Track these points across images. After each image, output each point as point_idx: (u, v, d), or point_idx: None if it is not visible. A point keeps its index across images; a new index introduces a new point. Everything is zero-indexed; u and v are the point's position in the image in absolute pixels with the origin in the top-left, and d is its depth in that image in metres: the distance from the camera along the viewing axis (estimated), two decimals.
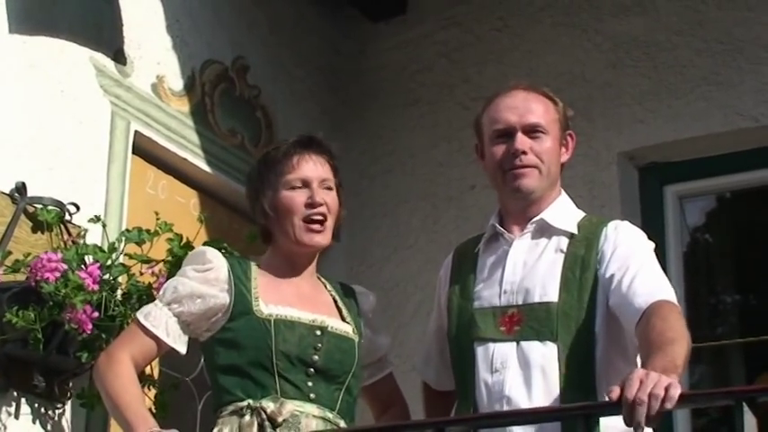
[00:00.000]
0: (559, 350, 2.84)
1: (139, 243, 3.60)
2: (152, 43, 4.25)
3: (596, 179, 4.54)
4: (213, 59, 4.51)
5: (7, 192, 3.59)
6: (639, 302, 2.75)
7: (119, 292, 3.51)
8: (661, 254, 3.00)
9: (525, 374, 2.84)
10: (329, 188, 3.07)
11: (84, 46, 3.96)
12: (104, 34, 4.06)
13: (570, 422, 2.60)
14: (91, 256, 3.53)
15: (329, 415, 2.92)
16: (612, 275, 2.84)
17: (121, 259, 3.60)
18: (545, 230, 3.00)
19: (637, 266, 2.84)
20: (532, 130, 3.00)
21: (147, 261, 3.59)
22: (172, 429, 2.76)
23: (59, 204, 3.68)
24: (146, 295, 3.47)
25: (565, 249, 2.95)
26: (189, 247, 3.53)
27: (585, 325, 2.85)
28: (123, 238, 3.62)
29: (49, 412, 3.56)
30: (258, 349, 2.90)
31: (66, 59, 3.89)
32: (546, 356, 2.84)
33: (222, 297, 2.95)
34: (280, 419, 2.84)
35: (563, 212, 3.03)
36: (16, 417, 3.46)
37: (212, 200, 4.48)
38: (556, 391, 2.81)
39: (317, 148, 3.10)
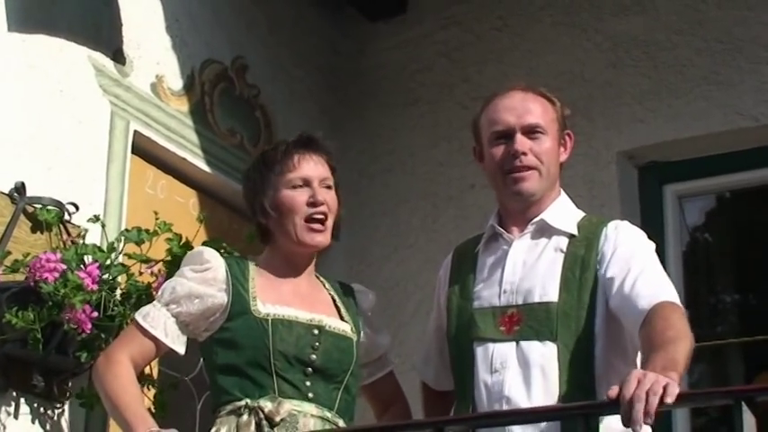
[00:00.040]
0: (559, 350, 2.83)
1: (139, 243, 3.60)
2: (151, 43, 4.25)
3: (596, 178, 4.54)
4: (212, 59, 4.51)
5: (6, 192, 3.59)
6: (643, 304, 2.74)
7: (118, 292, 3.51)
8: (660, 253, 2.99)
9: (525, 374, 2.84)
10: (329, 187, 3.08)
11: (84, 45, 3.96)
12: (103, 34, 4.06)
13: (569, 422, 2.60)
14: (90, 256, 3.52)
15: (328, 414, 2.92)
16: (614, 277, 2.84)
17: (121, 259, 3.60)
18: (545, 231, 3.00)
19: (639, 268, 2.83)
20: (531, 131, 2.99)
21: (147, 261, 3.59)
22: (171, 429, 2.77)
23: (58, 204, 3.68)
24: (145, 295, 3.47)
25: (564, 249, 2.94)
26: (188, 246, 3.52)
27: (585, 325, 2.85)
28: (122, 238, 3.62)
29: (49, 412, 3.56)
30: (256, 349, 2.90)
31: (65, 59, 3.89)
32: (545, 356, 2.84)
33: (220, 297, 2.95)
34: (277, 419, 2.84)
35: (563, 213, 3.03)
36: (15, 416, 3.46)
37: (211, 199, 4.48)
38: (555, 391, 2.81)
39: (316, 147, 3.10)
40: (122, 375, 2.89)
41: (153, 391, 3.58)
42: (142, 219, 3.77)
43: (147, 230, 3.61)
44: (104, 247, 3.60)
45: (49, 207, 3.64)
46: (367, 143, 5.02)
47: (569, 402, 2.75)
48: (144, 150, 4.19)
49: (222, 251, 3.20)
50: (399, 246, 4.86)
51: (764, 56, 4.43)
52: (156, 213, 3.67)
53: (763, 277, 4.64)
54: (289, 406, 2.86)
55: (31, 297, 3.37)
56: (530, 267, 2.94)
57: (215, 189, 4.48)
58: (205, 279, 2.96)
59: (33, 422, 3.50)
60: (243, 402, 2.87)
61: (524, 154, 2.97)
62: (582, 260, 2.91)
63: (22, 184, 3.61)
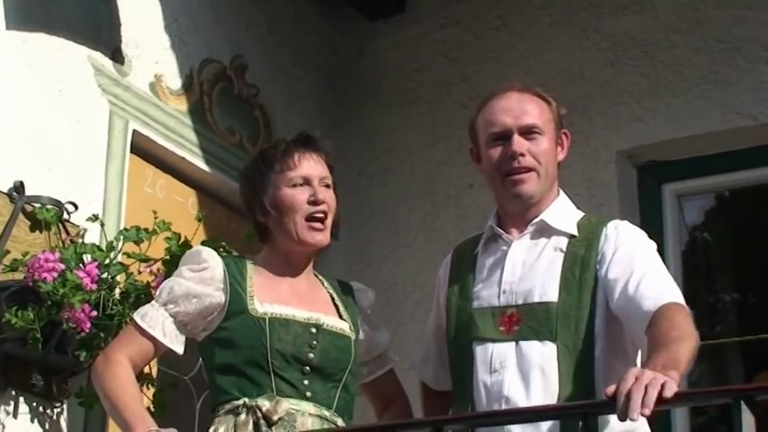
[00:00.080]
0: (559, 350, 2.83)
1: (138, 242, 3.60)
2: (150, 42, 4.25)
3: (595, 178, 4.54)
4: (211, 58, 4.51)
5: (5, 191, 3.59)
6: (648, 306, 2.72)
7: (117, 291, 3.51)
8: (660, 252, 2.98)
9: (524, 374, 2.83)
10: (328, 186, 3.08)
11: (83, 45, 3.96)
12: (102, 33, 4.06)
13: (568, 421, 2.60)
14: (89, 255, 3.52)
15: (326, 413, 2.91)
16: (617, 279, 2.82)
17: (120, 258, 3.60)
18: (544, 231, 2.99)
19: (642, 269, 2.82)
20: (528, 132, 2.99)
21: (146, 260, 3.59)
22: (170, 428, 2.77)
23: (57, 203, 3.68)
24: (144, 294, 3.47)
25: (564, 249, 2.94)
26: (187, 245, 3.53)
27: (585, 325, 2.84)
28: (121, 237, 3.62)
29: (48, 411, 3.56)
30: (253, 348, 2.89)
31: (64, 58, 3.89)
32: (545, 356, 2.83)
33: (218, 296, 2.95)
34: (275, 418, 2.83)
35: (562, 213, 3.02)
36: (14, 416, 3.46)
37: (210, 199, 4.48)
38: (555, 390, 2.80)
39: (315, 146, 3.10)
40: (121, 375, 2.89)
41: (152, 390, 3.58)
42: (141, 218, 3.77)
43: (146, 230, 3.61)
44: (103, 247, 3.59)
45: (48, 206, 3.64)
46: (366, 142, 5.02)
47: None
48: (143, 149, 4.19)
49: (221, 250, 3.20)
50: (398, 245, 4.86)
51: (763, 55, 4.43)
52: (154, 212, 3.67)
53: (762, 276, 4.64)
54: (287, 405, 2.86)
55: (30, 296, 3.38)
56: (529, 267, 2.94)
57: (214, 188, 4.48)
58: (203, 278, 2.96)
59: (32, 421, 3.50)
60: (241, 401, 2.87)
61: (522, 155, 2.96)
62: (582, 260, 2.90)
63: (21, 183, 3.61)
